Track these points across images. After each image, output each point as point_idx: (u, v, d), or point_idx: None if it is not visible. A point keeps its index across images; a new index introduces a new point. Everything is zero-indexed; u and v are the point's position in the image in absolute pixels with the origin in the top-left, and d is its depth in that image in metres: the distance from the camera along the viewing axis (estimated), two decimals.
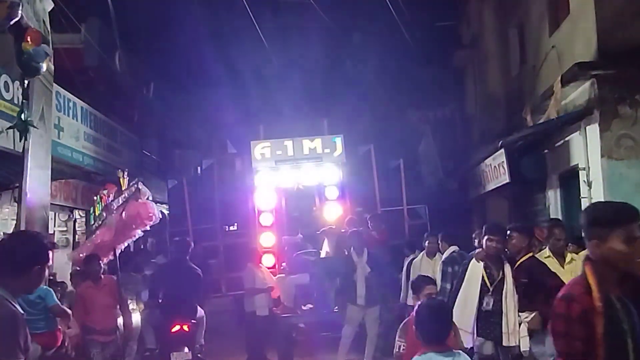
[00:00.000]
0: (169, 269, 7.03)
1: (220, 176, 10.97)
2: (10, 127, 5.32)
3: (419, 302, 3.45)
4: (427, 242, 7.63)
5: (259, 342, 7.83)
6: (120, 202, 6.35)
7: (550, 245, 5.24)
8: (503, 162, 9.32)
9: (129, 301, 6.92)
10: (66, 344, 5.60)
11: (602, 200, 7.09)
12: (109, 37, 12.16)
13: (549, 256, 5.16)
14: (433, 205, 11.41)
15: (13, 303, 2.50)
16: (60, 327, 5.69)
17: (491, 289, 4.93)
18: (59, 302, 5.95)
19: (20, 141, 5.02)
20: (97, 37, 12.08)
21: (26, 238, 2.80)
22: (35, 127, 4.90)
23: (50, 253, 2.77)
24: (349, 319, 7.12)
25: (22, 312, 2.55)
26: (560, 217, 8.58)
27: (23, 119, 4.73)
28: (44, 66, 4.65)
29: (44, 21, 5.30)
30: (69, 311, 6.06)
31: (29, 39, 4.32)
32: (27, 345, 2.46)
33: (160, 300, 6.70)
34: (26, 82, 4.87)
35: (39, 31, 4.66)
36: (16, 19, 4.37)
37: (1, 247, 2.76)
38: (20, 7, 4.30)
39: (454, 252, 6.86)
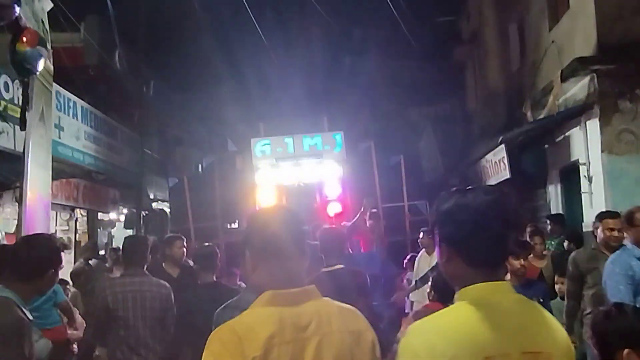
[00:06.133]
0: None
1: (221, 174, 10.97)
2: None
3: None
4: (422, 238, 7.45)
5: None
6: None
7: None
8: (503, 157, 9.30)
9: None
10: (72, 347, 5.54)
11: (603, 195, 7.11)
12: (108, 35, 12.13)
13: None
14: (434, 201, 11.39)
15: (22, 308, 2.48)
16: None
17: None
18: (67, 299, 6.01)
19: None
20: (97, 36, 12.05)
21: (39, 243, 2.77)
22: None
23: (62, 255, 2.80)
24: None
25: (30, 318, 2.52)
26: (561, 212, 8.60)
27: None
28: (38, 67, 4.62)
29: (42, 21, 5.28)
30: (75, 310, 6.09)
31: (24, 40, 4.30)
32: (31, 352, 2.44)
33: None
34: (17, 81, 4.84)
35: (36, 32, 4.63)
36: (7, 21, 4.30)
37: (14, 252, 2.76)
38: (15, 9, 4.22)
39: None
